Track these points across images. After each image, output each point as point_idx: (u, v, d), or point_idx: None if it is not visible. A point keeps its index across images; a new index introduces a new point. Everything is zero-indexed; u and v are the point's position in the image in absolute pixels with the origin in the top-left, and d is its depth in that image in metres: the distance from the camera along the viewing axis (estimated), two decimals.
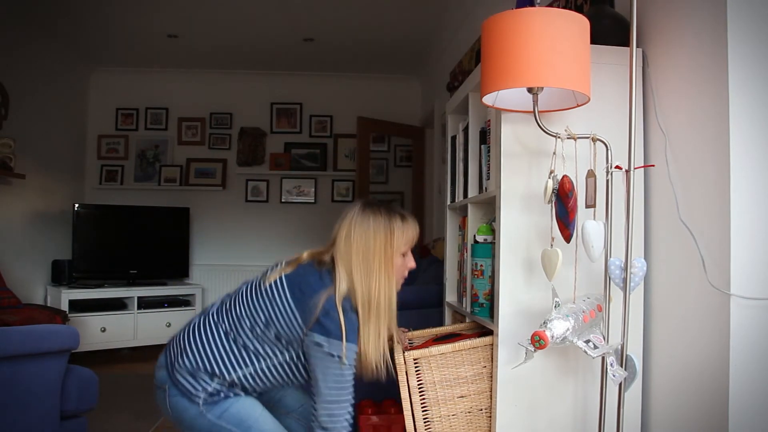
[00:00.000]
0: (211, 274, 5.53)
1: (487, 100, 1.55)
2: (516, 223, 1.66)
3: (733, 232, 1.37)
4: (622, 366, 1.47)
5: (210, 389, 1.54)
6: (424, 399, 1.72)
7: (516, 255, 1.66)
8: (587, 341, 1.43)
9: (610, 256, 1.49)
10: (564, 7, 2.35)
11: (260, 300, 1.57)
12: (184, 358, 1.56)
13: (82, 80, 5.50)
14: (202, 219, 5.61)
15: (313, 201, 5.74)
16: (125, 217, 5.15)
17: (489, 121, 1.89)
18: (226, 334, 1.57)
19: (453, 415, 1.74)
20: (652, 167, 1.67)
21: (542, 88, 1.45)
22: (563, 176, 1.46)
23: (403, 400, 1.71)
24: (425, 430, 1.72)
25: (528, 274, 1.66)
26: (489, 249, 1.86)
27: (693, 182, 1.51)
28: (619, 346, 1.48)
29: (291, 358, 1.57)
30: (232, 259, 5.55)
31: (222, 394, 1.56)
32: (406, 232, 1.61)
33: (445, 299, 2.42)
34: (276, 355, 1.57)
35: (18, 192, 4.40)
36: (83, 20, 4.44)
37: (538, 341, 1.36)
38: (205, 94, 5.69)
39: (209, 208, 5.64)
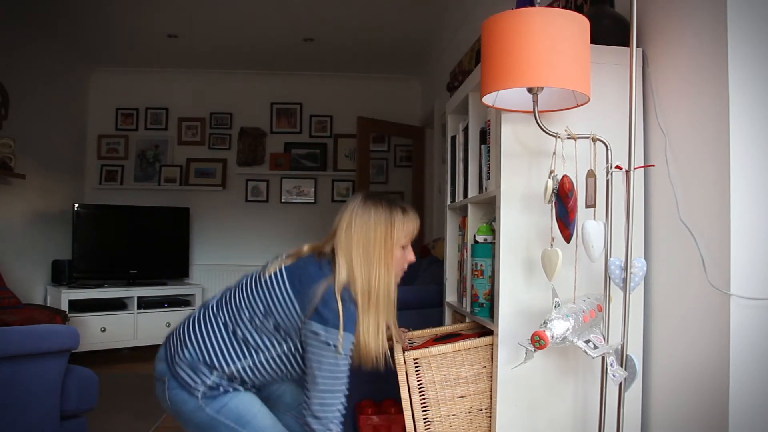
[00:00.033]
0: (211, 274, 5.53)
1: (487, 100, 1.55)
2: (516, 223, 1.66)
3: (733, 232, 1.37)
4: (622, 366, 1.47)
5: (209, 382, 1.54)
6: (424, 399, 1.72)
7: (516, 255, 1.66)
8: (587, 341, 1.43)
9: (610, 256, 1.49)
10: (564, 7, 2.35)
11: (259, 291, 1.58)
12: (184, 350, 1.57)
13: (82, 80, 5.50)
14: (202, 219, 5.61)
15: (313, 201, 5.74)
16: (125, 217, 5.15)
17: (489, 121, 1.89)
18: (225, 326, 1.58)
19: (453, 415, 1.74)
20: (652, 167, 1.67)
21: (542, 88, 1.45)
22: (563, 176, 1.46)
23: (403, 400, 1.71)
24: (425, 430, 1.72)
25: (528, 274, 1.66)
26: (489, 249, 1.86)
27: (693, 182, 1.51)
28: (619, 346, 1.48)
29: (289, 349, 1.58)
30: (232, 259, 5.55)
31: (221, 389, 1.56)
32: (406, 225, 1.61)
33: (445, 299, 2.42)
34: (274, 347, 1.57)
35: (18, 192, 4.40)
36: (83, 20, 4.44)
37: (538, 341, 1.36)
38: (205, 94, 5.69)
39: (209, 208, 5.64)
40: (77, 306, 4.58)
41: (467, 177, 2.09)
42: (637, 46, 1.61)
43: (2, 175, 4.07)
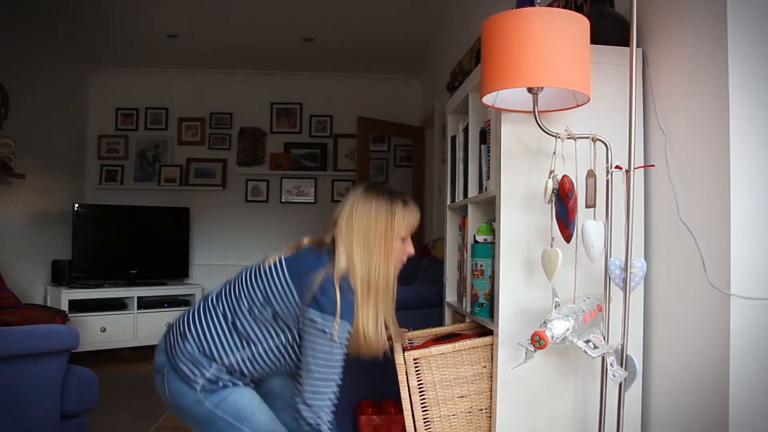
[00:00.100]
0: (211, 274, 5.53)
1: (487, 100, 1.55)
2: (516, 223, 1.66)
3: (733, 232, 1.37)
4: (622, 366, 1.47)
5: (208, 375, 1.55)
6: (424, 399, 1.73)
7: (516, 255, 1.66)
8: (587, 341, 1.43)
9: (610, 256, 1.49)
10: (564, 7, 2.35)
11: (259, 281, 1.58)
12: (184, 341, 1.57)
13: (82, 80, 5.50)
14: (202, 219, 5.62)
15: (313, 201, 5.74)
16: (125, 217, 5.16)
17: (489, 121, 1.89)
18: (224, 316, 1.59)
19: (453, 415, 1.74)
20: (652, 167, 1.67)
21: (542, 88, 1.45)
22: (563, 176, 1.46)
23: (403, 400, 1.71)
24: (425, 430, 1.72)
25: (528, 274, 1.66)
26: (489, 249, 1.86)
27: (693, 182, 1.52)
28: (619, 346, 1.48)
29: (287, 340, 1.58)
30: (232, 259, 5.55)
31: (221, 383, 1.56)
32: (407, 217, 1.62)
33: (445, 299, 2.42)
34: (273, 337, 1.57)
35: (18, 192, 4.40)
36: (83, 20, 4.44)
37: (538, 341, 1.36)
38: (205, 94, 5.69)
39: (209, 208, 5.64)
40: (77, 306, 4.58)
41: (467, 177, 2.09)
42: (637, 46, 1.61)
43: (2, 175, 4.07)
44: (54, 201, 4.94)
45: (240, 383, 1.61)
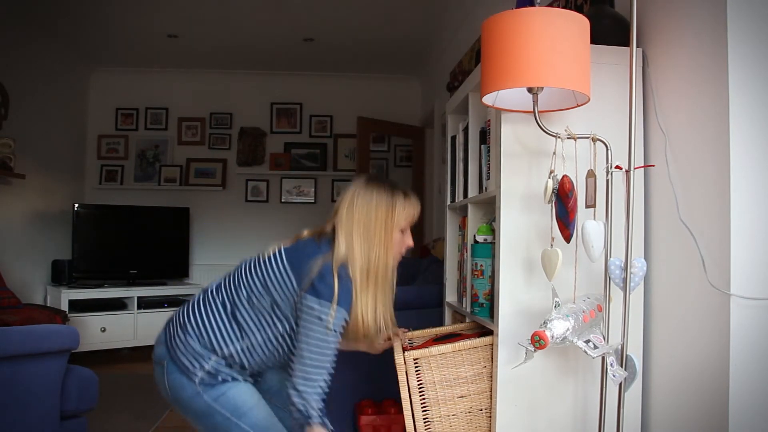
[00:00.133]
0: (211, 274, 5.50)
1: (487, 100, 1.55)
2: (516, 223, 1.66)
3: (733, 232, 1.37)
4: (622, 366, 1.47)
5: (207, 367, 1.55)
6: (424, 399, 1.72)
7: (516, 255, 1.66)
8: (587, 341, 1.43)
9: (610, 256, 1.49)
10: (564, 7, 2.35)
11: (258, 270, 1.60)
12: (184, 333, 1.58)
13: (82, 80, 5.50)
14: (202, 219, 5.61)
15: (313, 201, 5.74)
16: (125, 217, 5.16)
17: (489, 121, 1.89)
18: (223, 307, 1.60)
19: (453, 415, 1.74)
20: (652, 167, 1.67)
21: (542, 88, 1.45)
22: (563, 176, 1.46)
23: (403, 400, 1.71)
24: (425, 430, 1.72)
25: (528, 274, 1.66)
26: (489, 249, 1.86)
27: (693, 182, 1.52)
28: (619, 346, 1.48)
29: (285, 330, 1.59)
30: (232, 259, 5.49)
31: (220, 378, 1.56)
32: (407, 208, 1.64)
33: (445, 299, 2.42)
34: (271, 327, 1.58)
35: (18, 192, 4.40)
36: (83, 20, 4.44)
37: (538, 341, 1.36)
38: (205, 94, 5.69)
39: (209, 208, 5.64)
40: (77, 306, 4.58)
41: (467, 177, 2.09)
42: (637, 46, 1.60)
43: (2, 175, 4.07)
44: (54, 201, 4.94)
45: (239, 378, 1.61)
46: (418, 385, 1.72)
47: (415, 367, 1.72)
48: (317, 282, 1.51)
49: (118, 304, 4.81)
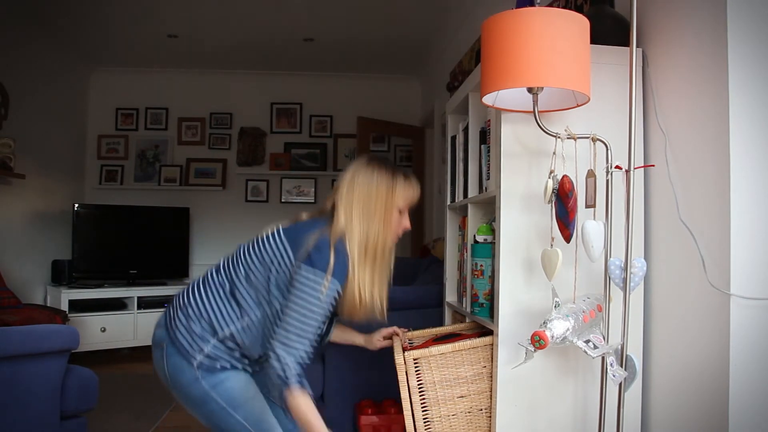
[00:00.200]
0: None
1: (487, 100, 1.55)
2: (516, 223, 1.66)
3: (733, 232, 1.37)
4: (622, 366, 1.47)
5: (206, 350, 1.55)
6: (424, 399, 1.73)
7: (516, 255, 1.66)
8: (587, 341, 1.43)
9: (610, 256, 1.49)
10: (564, 7, 2.35)
11: (256, 248, 1.62)
12: (184, 314, 1.59)
13: (82, 80, 5.50)
14: (202, 219, 5.61)
15: (313, 201, 5.74)
16: (125, 217, 5.15)
17: (489, 121, 1.89)
18: (222, 286, 1.61)
19: (453, 415, 1.74)
20: (652, 167, 1.67)
21: (542, 88, 1.45)
22: (563, 176, 1.46)
23: (403, 400, 1.71)
24: (425, 430, 1.72)
25: (528, 274, 1.66)
26: (489, 249, 1.86)
27: (693, 182, 1.52)
28: (619, 346, 1.48)
29: (282, 307, 1.58)
30: None
31: (219, 364, 1.56)
32: (407, 189, 1.65)
33: (445, 299, 2.42)
34: (269, 304, 1.58)
35: (18, 192, 4.40)
36: (83, 20, 4.44)
37: (538, 341, 1.36)
38: (205, 94, 5.69)
39: (209, 208, 5.64)
40: (77, 306, 4.58)
41: (467, 177, 2.09)
42: (637, 46, 1.61)
43: (2, 175, 4.07)
44: (54, 201, 4.94)
45: (239, 366, 1.61)
46: (418, 385, 1.72)
47: (415, 367, 1.72)
48: (313, 252, 1.51)
49: (118, 304, 4.81)
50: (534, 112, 1.47)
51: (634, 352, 1.62)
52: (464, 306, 2.08)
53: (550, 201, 1.50)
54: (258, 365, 1.71)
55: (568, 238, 1.49)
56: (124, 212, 5.17)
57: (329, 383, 2.56)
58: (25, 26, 4.38)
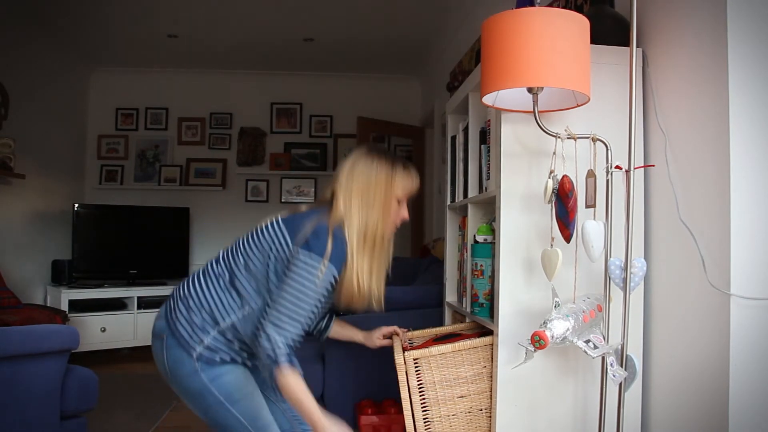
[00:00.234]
0: None
1: (487, 100, 1.55)
2: (516, 223, 1.66)
3: (733, 232, 1.37)
4: (622, 366, 1.47)
5: (206, 341, 1.55)
6: (424, 399, 1.73)
7: (516, 255, 1.66)
8: (587, 341, 1.43)
9: (610, 256, 1.49)
10: (564, 7, 2.35)
11: (254, 237, 1.63)
12: (184, 305, 1.59)
13: (82, 80, 5.50)
14: (202, 219, 5.61)
15: (313, 201, 5.74)
16: (125, 217, 5.16)
17: (489, 121, 1.89)
18: (222, 276, 1.61)
19: (453, 415, 1.74)
20: (652, 167, 1.67)
21: (542, 88, 1.45)
22: (563, 176, 1.46)
23: (403, 400, 1.71)
24: (425, 430, 1.72)
25: (528, 274, 1.66)
26: (489, 249, 1.86)
27: (693, 182, 1.52)
28: (619, 346, 1.48)
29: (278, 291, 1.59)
30: None
31: (218, 357, 1.56)
32: (406, 179, 1.65)
33: (445, 299, 2.42)
34: (270, 292, 1.58)
35: (18, 192, 4.40)
36: (83, 20, 4.44)
37: (538, 341, 1.36)
38: (205, 94, 5.69)
39: (209, 208, 5.64)
40: (77, 306, 4.58)
41: (467, 177, 2.09)
42: (637, 46, 1.61)
43: (2, 175, 4.07)
44: (54, 201, 4.94)
45: (238, 359, 1.61)
46: (418, 385, 1.72)
47: (415, 367, 1.72)
48: (311, 238, 1.52)
49: (118, 304, 4.81)
50: (534, 112, 1.47)
51: (634, 352, 1.62)
52: (464, 306, 2.08)
53: (550, 201, 1.50)
54: (257, 358, 1.71)
55: (568, 238, 1.49)
56: (124, 212, 5.17)
57: (329, 383, 2.56)
58: (25, 26, 4.38)
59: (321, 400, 2.58)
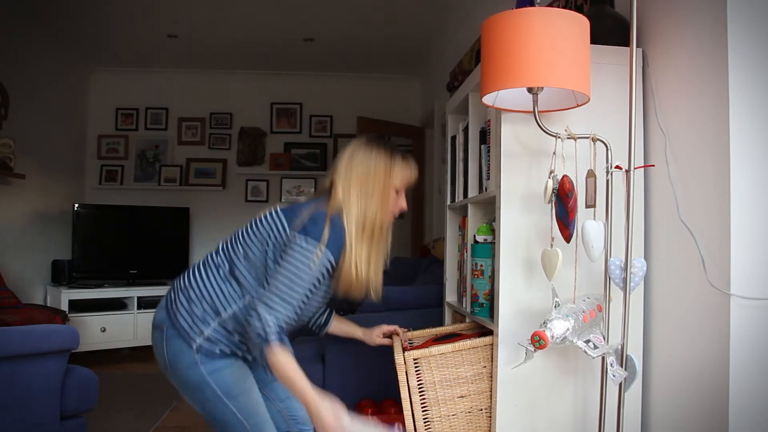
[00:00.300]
0: None
1: (487, 100, 1.55)
2: (516, 223, 1.66)
3: (733, 232, 1.37)
4: (622, 366, 1.47)
5: (207, 332, 1.55)
6: (424, 399, 1.73)
7: (516, 255, 1.66)
8: (587, 341, 1.43)
9: (610, 256, 1.49)
10: (564, 7, 2.36)
11: (253, 227, 1.63)
12: (185, 297, 1.59)
13: (82, 80, 5.50)
14: (202, 219, 5.61)
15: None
16: (125, 217, 5.16)
17: (489, 121, 1.89)
18: (222, 267, 1.62)
19: (453, 415, 1.74)
20: (652, 167, 1.67)
21: (542, 88, 1.45)
22: (563, 176, 1.46)
23: (403, 400, 1.71)
24: (425, 430, 1.72)
25: (528, 274, 1.66)
26: (489, 249, 1.86)
27: (693, 182, 1.52)
28: (619, 346, 1.48)
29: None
30: None
31: (218, 349, 1.56)
32: (404, 170, 1.65)
33: (445, 299, 2.42)
34: (268, 280, 1.58)
35: (18, 192, 4.40)
36: (83, 20, 4.44)
37: (538, 341, 1.36)
38: (205, 94, 5.69)
39: (209, 208, 5.64)
40: (77, 306, 4.58)
41: (467, 177, 2.09)
42: (637, 46, 1.61)
43: (2, 175, 4.07)
44: (54, 201, 4.94)
45: (238, 352, 1.61)
46: (418, 385, 1.72)
47: (415, 367, 1.72)
48: (308, 223, 1.52)
49: (118, 304, 4.81)
50: (534, 112, 1.47)
51: (634, 352, 1.62)
52: (464, 306, 2.08)
53: (550, 201, 1.50)
54: (253, 343, 1.71)
55: (568, 238, 1.49)
56: (124, 212, 5.17)
57: (329, 383, 2.56)
58: (25, 26, 4.38)
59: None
